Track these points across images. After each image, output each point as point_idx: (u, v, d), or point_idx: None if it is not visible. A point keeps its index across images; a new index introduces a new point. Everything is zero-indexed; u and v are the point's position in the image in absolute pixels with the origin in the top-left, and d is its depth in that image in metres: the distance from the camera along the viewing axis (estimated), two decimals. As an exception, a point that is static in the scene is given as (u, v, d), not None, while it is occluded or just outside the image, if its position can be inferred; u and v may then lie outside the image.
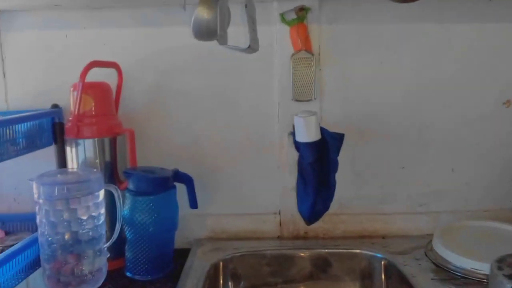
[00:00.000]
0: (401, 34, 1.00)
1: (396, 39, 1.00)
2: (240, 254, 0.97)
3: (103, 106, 0.92)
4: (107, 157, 0.92)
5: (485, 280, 0.78)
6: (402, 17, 0.99)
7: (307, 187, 0.87)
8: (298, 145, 0.88)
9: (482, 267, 0.79)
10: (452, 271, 0.84)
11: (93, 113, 0.91)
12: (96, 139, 0.90)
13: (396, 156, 1.03)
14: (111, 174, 0.92)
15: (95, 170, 0.88)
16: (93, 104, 0.91)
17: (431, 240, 0.96)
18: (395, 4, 0.96)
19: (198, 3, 0.77)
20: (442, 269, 0.85)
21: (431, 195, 1.05)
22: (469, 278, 0.80)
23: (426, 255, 0.91)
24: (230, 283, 0.96)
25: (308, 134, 0.85)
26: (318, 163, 0.86)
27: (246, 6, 0.75)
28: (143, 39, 1.01)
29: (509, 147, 1.03)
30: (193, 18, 0.76)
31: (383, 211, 1.05)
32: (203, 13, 0.74)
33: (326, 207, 0.89)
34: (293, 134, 0.89)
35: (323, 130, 0.87)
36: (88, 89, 0.89)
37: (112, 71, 0.97)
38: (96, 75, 0.90)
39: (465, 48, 1.00)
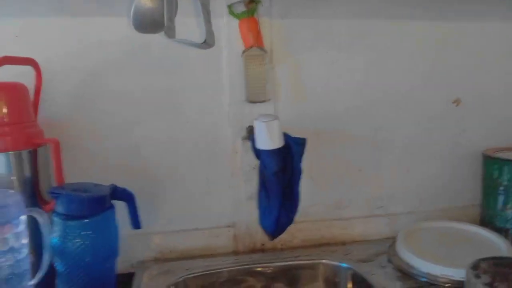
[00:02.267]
0: (354, 31, 0.95)
1: (348, 36, 0.95)
2: (193, 275, 0.86)
3: (18, 112, 0.76)
4: (27, 174, 0.75)
5: (456, 286, 0.76)
6: (354, 13, 0.94)
7: (271, 200, 0.79)
8: (258, 153, 0.79)
9: (452, 273, 0.77)
10: (418, 277, 0.81)
11: (6, 120, 0.74)
12: (10, 152, 0.74)
13: (352, 159, 0.99)
14: (33, 195, 0.76)
15: (12, 191, 0.72)
16: (5, 109, 0.74)
17: (392, 244, 0.93)
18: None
19: (138, -11, 0.64)
20: (409, 276, 0.82)
21: (387, 197, 1.02)
22: (438, 285, 0.78)
23: (390, 261, 0.88)
24: (185, 309, 0.85)
25: (271, 140, 0.76)
26: (282, 173, 0.78)
27: (199, -6, 0.64)
28: (67, 31, 0.85)
29: (460, 145, 1.04)
30: (133, 7, 0.63)
31: (341, 216, 1.00)
32: (146, 1, 0.62)
33: (290, 220, 0.82)
34: (251, 140, 0.80)
35: (285, 135, 0.79)
36: (-1, 91, 0.72)
37: (27, 70, 0.80)
38: (8, 75, 0.73)
39: (415, 46, 0.98)
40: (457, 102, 1.02)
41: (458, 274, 0.75)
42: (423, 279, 0.80)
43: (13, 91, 0.76)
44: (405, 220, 1.00)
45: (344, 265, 0.88)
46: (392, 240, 0.94)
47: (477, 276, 0.65)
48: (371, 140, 0.99)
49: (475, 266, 0.68)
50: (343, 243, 0.99)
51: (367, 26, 0.95)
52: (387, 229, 1.01)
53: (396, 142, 1.00)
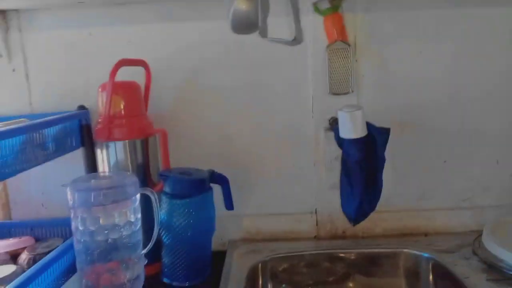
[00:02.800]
0: (440, 20, 0.94)
1: (435, 26, 0.95)
2: (278, 255, 0.93)
3: (133, 106, 0.89)
4: (139, 159, 0.88)
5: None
6: (440, 1, 0.93)
7: (354, 187, 0.83)
8: (342, 142, 0.84)
9: (542, 267, 0.75)
10: (506, 271, 0.79)
11: (123, 114, 0.87)
12: (127, 141, 0.87)
13: (437, 150, 0.99)
14: (144, 177, 0.89)
15: (129, 173, 0.85)
16: (123, 104, 0.87)
17: (477, 237, 0.92)
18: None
19: (235, -5, 0.72)
20: (495, 269, 0.81)
21: (474, 189, 1.00)
22: (528, 278, 0.76)
23: (475, 253, 0.87)
24: (269, 285, 0.92)
25: (354, 130, 0.80)
26: (365, 161, 0.81)
27: (289, -6, 0.70)
28: (170, 35, 0.97)
29: (554, 136, 0.98)
30: (231, 10, 0.71)
31: (425, 207, 1.01)
32: (242, 5, 0.70)
33: (373, 208, 0.85)
34: (335, 130, 0.85)
35: (369, 125, 0.82)
36: (117, 89, 0.85)
37: (138, 70, 0.93)
38: (122, 75, 0.85)
39: (505, 33, 0.94)
40: (555, 92, 0.97)
41: (549, 268, 0.73)
42: (511, 272, 0.78)
43: (128, 88, 0.89)
44: (492, 214, 0.97)
45: (426, 255, 0.89)
46: (477, 233, 0.92)
47: None
48: (457, 131, 0.98)
49: None
50: (426, 234, 0.99)
51: (453, 14, 0.94)
52: (472, 222, 0.99)
53: (484, 133, 0.98)
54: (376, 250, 0.93)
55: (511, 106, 0.97)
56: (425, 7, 0.94)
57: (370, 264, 0.93)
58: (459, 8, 0.94)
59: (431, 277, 0.88)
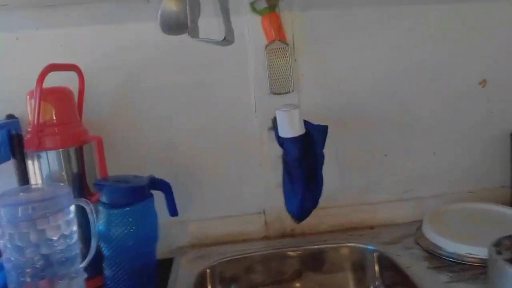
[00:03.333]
0: (377, 17, 0.97)
1: (372, 22, 0.97)
2: (227, 259, 0.92)
3: (65, 113, 0.84)
4: (74, 169, 0.84)
5: (481, 265, 0.77)
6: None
7: (295, 184, 0.83)
8: (281, 141, 0.84)
9: (477, 252, 0.78)
10: (445, 258, 0.82)
11: (55, 121, 0.82)
12: (60, 150, 0.82)
13: (378, 144, 1.01)
14: (80, 187, 0.84)
15: (62, 184, 0.80)
16: (54, 111, 0.82)
17: (419, 227, 0.95)
18: (368, -13, 0.94)
19: (164, -5, 0.70)
20: (435, 256, 0.84)
21: (415, 181, 1.04)
22: (465, 264, 0.79)
23: (417, 243, 0.90)
24: (219, 290, 0.91)
25: (292, 128, 0.80)
26: (304, 158, 0.82)
27: (218, -6, 0.69)
28: (104, 38, 0.93)
29: (487, 126, 1.03)
30: (160, 11, 0.69)
31: (369, 201, 1.03)
32: (171, 5, 0.68)
33: (315, 203, 0.86)
34: (275, 129, 0.85)
35: (306, 123, 0.83)
36: (47, 95, 0.81)
37: (71, 75, 0.89)
38: (54, 80, 0.81)
39: (441, 28, 0.98)
40: (483, 83, 1.02)
41: (483, 252, 0.76)
42: (450, 259, 0.81)
43: (60, 94, 0.85)
44: (433, 204, 1.01)
45: (370, 247, 0.91)
46: (419, 223, 0.96)
47: (499, 253, 0.66)
48: (396, 125, 1.01)
49: (497, 243, 0.69)
50: (371, 227, 1.01)
51: (389, 11, 0.97)
52: (414, 212, 1.01)
53: (422, 125, 1.01)
54: (323, 246, 0.94)
55: (445, 100, 1.01)
56: (361, 5, 0.96)
57: (318, 260, 0.94)
58: (395, 6, 0.97)
59: (376, 268, 0.90)
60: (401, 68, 0.99)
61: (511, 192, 1.01)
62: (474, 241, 0.80)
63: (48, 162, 0.82)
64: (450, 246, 0.82)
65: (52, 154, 0.82)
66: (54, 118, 0.82)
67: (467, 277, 0.76)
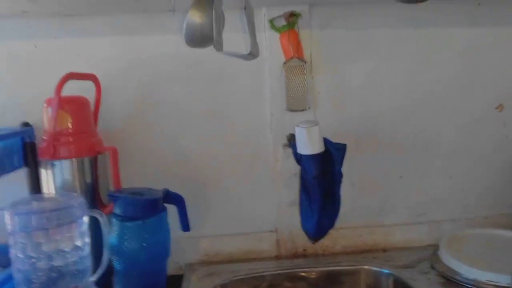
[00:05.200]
0: (394, 39, 0.97)
1: (389, 44, 0.97)
2: (238, 277, 0.90)
3: (81, 122, 0.83)
4: (88, 179, 0.83)
5: (502, 292, 0.75)
6: (394, 21, 0.96)
7: (312, 203, 0.82)
8: (299, 158, 0.82)
9: (498, 279, 0.76)
10: (463, 284, 0.80)
11: (71, 130, 0.82)
12: (74, 159, 0.81)
13: (393, 166, 1.00)
14: (93, 198, 0.83)
15: (75, 194, 0.79)
16: (70, 120, 0.81)
17: (434, 251, 0.93)
18: (387, 8, 0.95)
19: (190, 7, 0.70)
20: (452, 282, 0.82)
21: (429, 204, 1.02)
22: (484, 291, 0.77)
23: (433, 268, 0.88)
24: (229, 309, 0.88)
25: (311, 145, 0.79)
26: (322, 177, 0.80)
27: (245, 8, 0.69)
28: (121, 49, 0.93)
29: (503, 151, 1.02)
30: (185, 23, 0.69)
31: (383, 223, 1.01)
32: (195, 18, 0.68)
33: (332, 223, 0.84)
34: (293, 146, 0.83)
35: (326, 141, 0.82)
36: (64, 104, 0.80)
37: (88, 85, 0.88)
38: (70, 89, 0.80)
39: (457, 52, 0.99)
40: (500, 108, 1.01)
41: (504, 280, 0.75)
42: (468, 285, 0.79)
43: (76, 104, 0.84)
44: (447, 228, 0.99)
45: (386, 271, 0.89)
46: (434, 247, 0.94)
47: (523, 281, 0.65)
48: (412, 147, 1.00)
49: (521, 271, 0.67)
50: (384, 250, 0.99)
51: (406, 34, 0.97)
52: (429, 236, 1.00)
53: (438, 148, 1.00)
54: (337, 268, 0.92)
55: (461, 123, 1.01)
56: (378, 26, 0.96)
57: (331, 282, 0.92)
58: (412, 28, 0.97)
59: (391, 293, 0.88)
60: (418, 91, 0.99)
61: (527, 218, 1.00)
62: (493, 267, 0.78)
63: (62, 171, 0.81)
64: (470, 272, 0.80)
65: (66, 163, 0.81)
66: (70, 127, 0.82)
67: (486, 304, 0.74)
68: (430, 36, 0.97)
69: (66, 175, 0.81)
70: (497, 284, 0.76)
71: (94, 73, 0.89)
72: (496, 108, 1.01)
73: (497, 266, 0.79)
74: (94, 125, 0.87)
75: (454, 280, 0.82)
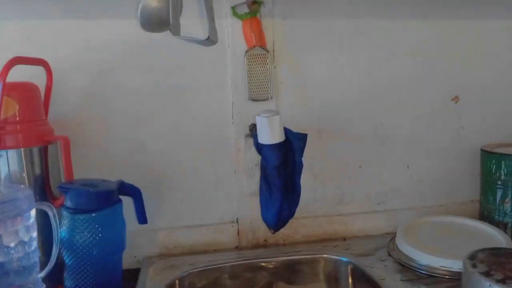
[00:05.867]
0: (355, 30, 0.97)
1: (350, 35, 0.97)
2: (197, 270, 0.88)
3: (29, 110, 0.78)
4: (37, 170, 0.78)
5: (454, 278, 0.77)
6: (355, 12, 0.96)
7: (273, 193, 0.81)
8: (260, 148, 0.81)
9: (450, 264, 0.79)
10: (419, 270, 0.82)
11: (18, 118, 0.77)
12: (22, 149, 0.76)
13: (353, 155, 1.01)
14: (43, 190, 0.79)
15: (22, 186, 0.74)
16: (17, 108, 0.76)
17: (392, 239, 0.95)
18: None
19: (145, -11, 0.67)
20: (409, 269, 0.84)
21: (388, 193, 1.04)
22: (438, 277, 0.79)
23: (390, 255, 0.90)
24: (188, 303, 0.87)
25: (272, 135, 0.78)
26: (283, 166, 0.80)
27: (203, -8, 0.66)
28: (75, 33, 0.88)
29: (459, 141, 1.06)
30: (140, 6, 0.66)
31: (343, 212, 1.02)
32: (152, 1, 0.65)
33: (292, 213, 0.84)
34: (254, 136, 0.82)
35: (286, 131, 0.81)
36: (10, 90, 0.75)
37: (38, 71, 0.83)
38: (19, 75, 0.76)
39: (417, 44, 1.00)
40: (456, 99, 1.04)
41: (456, 265, 0.77)
42: (423, 271, 0.81)
43: (24, 90, 0.79)
44: (405, 216, 1.02)
45: (344, 259, 0.90)
46: (392, 235, 0.96)
47: (474, 266, 0.67)
48: (371, 137, 1.01)
49: (472, 256, 0.69)
50: (344, 239, 1.01)
51: (368, 25, 0.97)
52: (387, 224, 1.02)
53: (396, 138, 1.02)
54: (297, 257, 0.92)
55: (419, 114, 1.03)
56: (340, 17, 0.96)
57: (291, 272, 0.92)
58: (372, 19, 0.97)
59: (350, 280, 0.89)
60: (377, 82, 1.00)
61: (480, 205, 1.03)
62: (447, 254, 0.81)
63: (8, 161, 0.76)
64: (424, 258, 0.82)
65: (12, 153, 0.76)
66: (17, 115, 0.77)
67: (440, 289, 0.76)
68: (389, 27, 0.98)
69: (13, 166, 0.76)
70: (450, 269, 0.79)
71: (46, 58, 0.84)
72: (452, 99, 1.04)
73: (450, 252, 0.82)
74: (44, 113, 0.83)
75: (410, 267, 0.84)
